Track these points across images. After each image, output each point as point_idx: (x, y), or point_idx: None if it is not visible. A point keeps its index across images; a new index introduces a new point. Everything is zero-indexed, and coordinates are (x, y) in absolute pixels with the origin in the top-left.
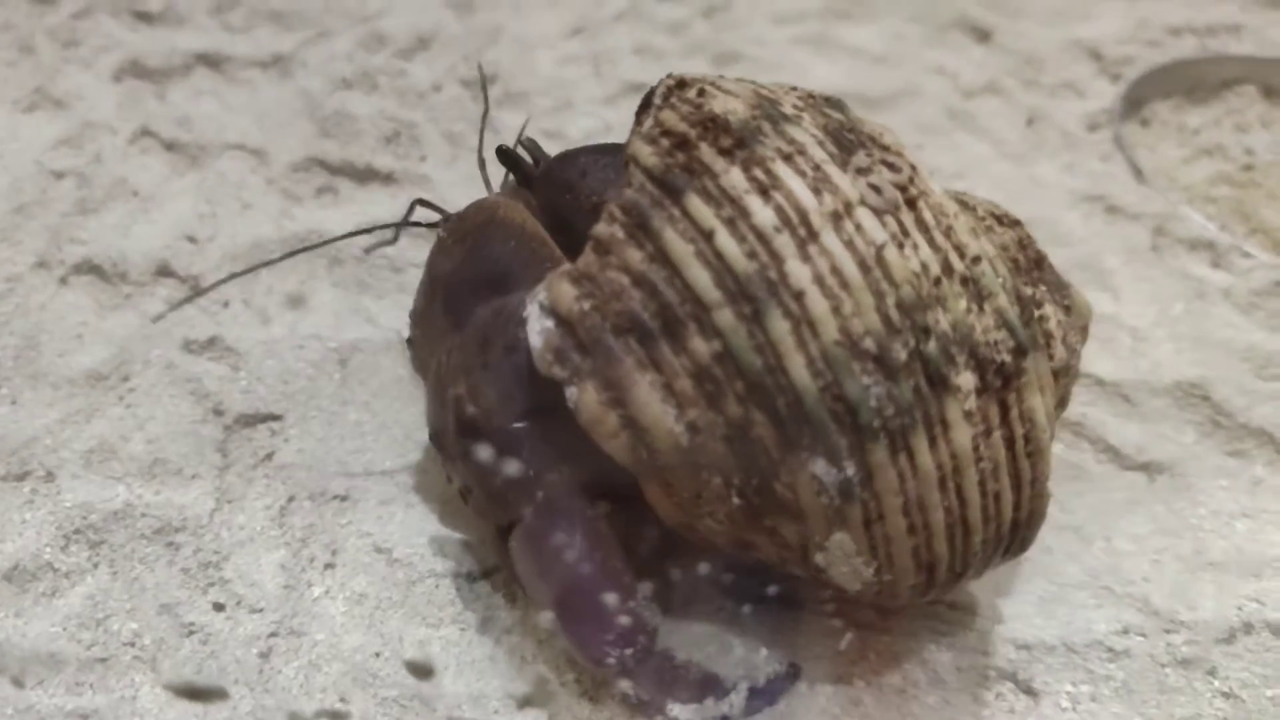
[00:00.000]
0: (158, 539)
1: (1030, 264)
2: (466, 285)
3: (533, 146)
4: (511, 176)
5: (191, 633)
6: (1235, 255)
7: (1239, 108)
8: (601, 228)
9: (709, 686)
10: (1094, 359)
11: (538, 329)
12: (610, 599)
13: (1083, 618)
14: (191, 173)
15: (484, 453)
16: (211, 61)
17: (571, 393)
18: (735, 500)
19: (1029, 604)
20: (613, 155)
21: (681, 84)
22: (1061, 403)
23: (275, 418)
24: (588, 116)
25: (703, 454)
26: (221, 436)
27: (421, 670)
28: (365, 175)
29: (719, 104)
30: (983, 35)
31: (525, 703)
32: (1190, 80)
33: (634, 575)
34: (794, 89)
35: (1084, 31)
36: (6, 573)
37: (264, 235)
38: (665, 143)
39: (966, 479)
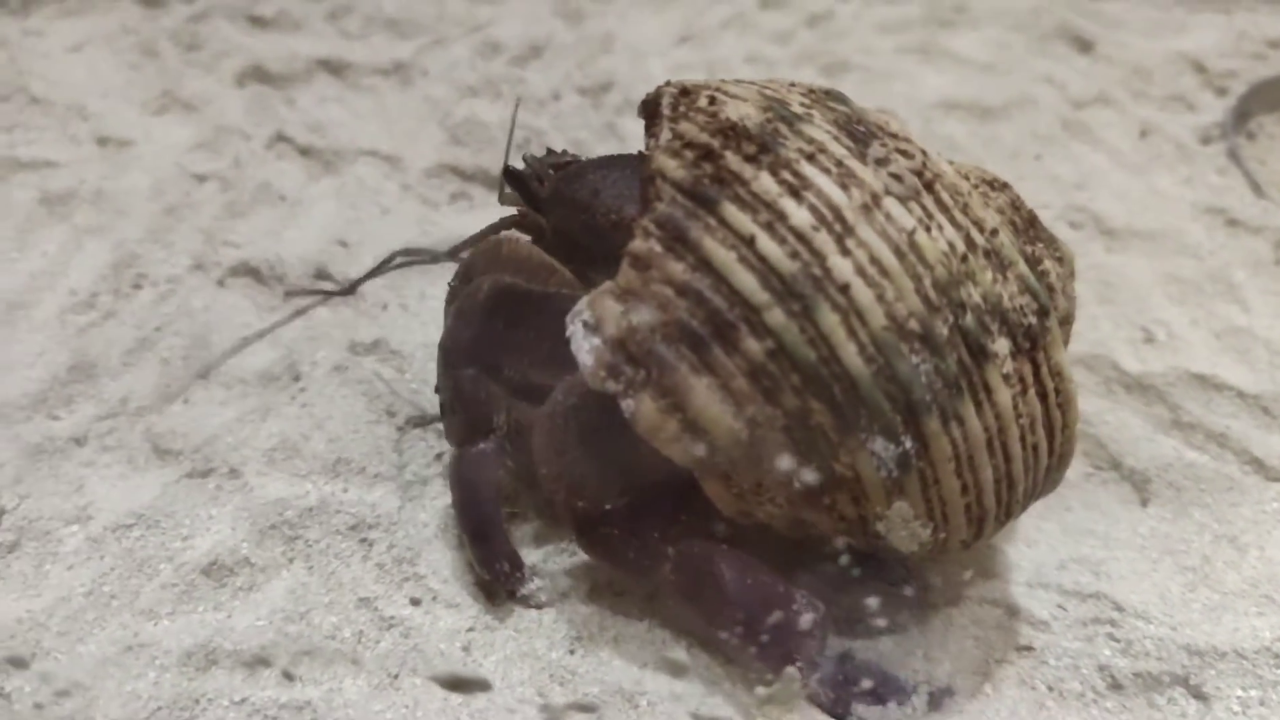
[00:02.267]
0: (352, 535)
1: (1025, 224)
2: (490, 336)
3: (537, 164)
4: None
5: (392, 626)
6: None
7: None
8: (638, 244)
9: (890, 688)
10: (1233, 370)
11: (586, 347)
12: (776, 611)
13: (1248, 625)
14: (328, 178)
15: (609, 537)
16: (333, 68)
17: (628, 404)
18: (795, 485)
19: (1196, 611)
20: (621, 169)
21: (686, 92)
22: (1065, 346)
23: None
24: None
25: (763, 445)
26: (396, 436)
27: (621, 668)
28: (499, 182)
29: (732, 110)
30: (1085, 46)
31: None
32: None
33: (785, 579)
34: (793, 85)
35: (1184, 44)
36: (205, 568)
37: (411, 240)
38: (689, 154)
39: (1010, 436)
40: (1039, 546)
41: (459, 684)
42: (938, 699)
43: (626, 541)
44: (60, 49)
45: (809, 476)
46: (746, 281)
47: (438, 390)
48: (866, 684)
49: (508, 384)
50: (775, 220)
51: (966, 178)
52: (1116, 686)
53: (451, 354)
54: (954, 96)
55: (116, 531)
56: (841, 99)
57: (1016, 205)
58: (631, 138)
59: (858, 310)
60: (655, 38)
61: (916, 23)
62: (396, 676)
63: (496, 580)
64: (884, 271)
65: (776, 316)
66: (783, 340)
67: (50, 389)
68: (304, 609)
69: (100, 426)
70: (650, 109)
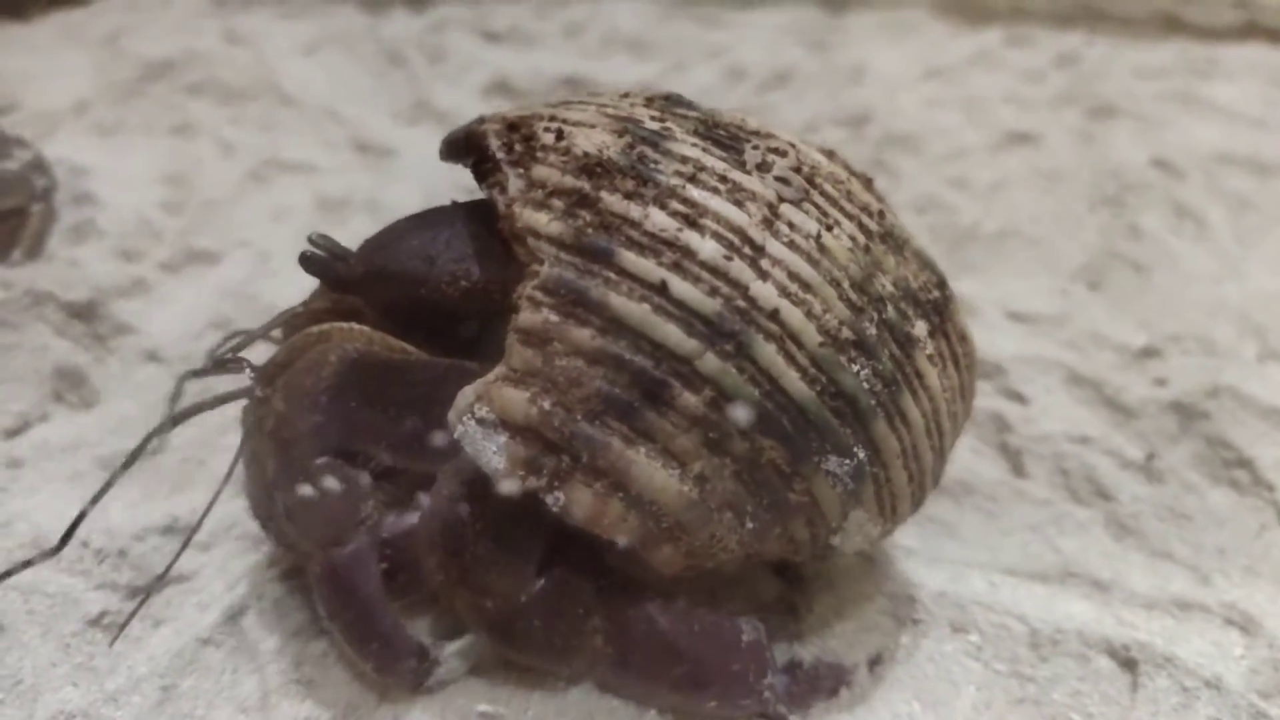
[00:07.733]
0: None
1: (865, 186)
2: (341, 418)
3: (329, 245)
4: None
5: None
6: None
7: None
8: (528, 317)
9: (837, 676)
10: None
11: (492, 449)
12: (727, 648)
13: None
14: None
15: (530, 630)
16: (575, 84)
17: (556, 498)
18: (748, 525)
19: None
20: (447, 227)
21: (514, 126)
22: None
23: None
24: (984, 168)
25: (714, 498)
26: None
27: None
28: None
29: (585, 141)
30: None
31: None
32: None
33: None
34: (626, 95)
35: None
36: None
37: None
38: (559, 203)
39: (941, 414)
40: None
41: None
42: (874, 665)
43: (550, 628)
44: (291, 50)
45: (760, 514)
46: (669, 332)
47: (276, 490)
48: (818, 680)
49: (364, 466)
50: (682, 258)
51: (831, 157)
52: None
53: (295, 446)
54: (1229, 150)
55: None
56: (682, 101)
57: (851, 170)
58: (904, 173)
59: (792, 334)
60: (902, 71)
61: (1172, 70)
62: None
63: (403, 679)
64: (805, 285)
65: (710, 362)
66: (722, 385)
67: None
68: None
69: None
70: (472, 149)
